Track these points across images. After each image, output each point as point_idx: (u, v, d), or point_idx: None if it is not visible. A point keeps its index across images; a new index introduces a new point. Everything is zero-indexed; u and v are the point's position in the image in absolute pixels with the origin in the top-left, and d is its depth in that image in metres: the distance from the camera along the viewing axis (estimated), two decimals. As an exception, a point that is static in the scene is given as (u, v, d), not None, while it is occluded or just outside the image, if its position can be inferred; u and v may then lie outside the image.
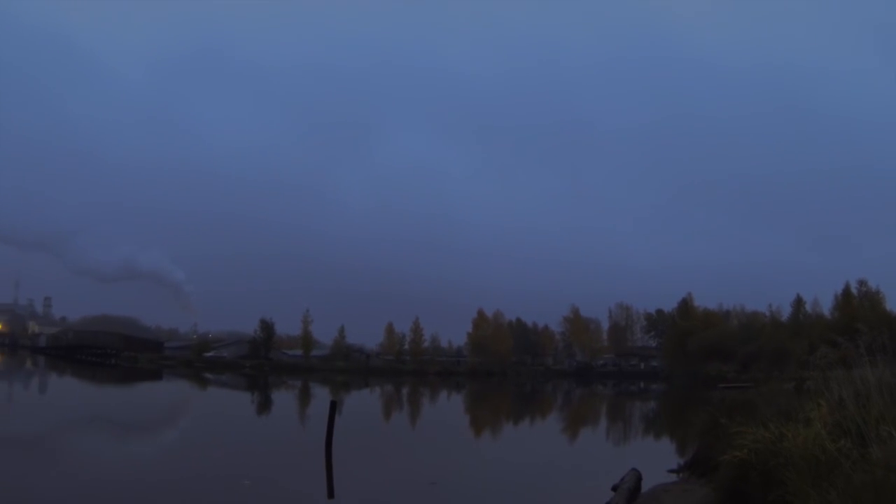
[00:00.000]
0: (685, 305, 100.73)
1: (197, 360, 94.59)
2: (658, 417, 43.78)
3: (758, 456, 8.29)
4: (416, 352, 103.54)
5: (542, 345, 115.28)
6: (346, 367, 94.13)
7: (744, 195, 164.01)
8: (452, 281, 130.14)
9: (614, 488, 13.17)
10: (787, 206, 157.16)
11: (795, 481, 6.98)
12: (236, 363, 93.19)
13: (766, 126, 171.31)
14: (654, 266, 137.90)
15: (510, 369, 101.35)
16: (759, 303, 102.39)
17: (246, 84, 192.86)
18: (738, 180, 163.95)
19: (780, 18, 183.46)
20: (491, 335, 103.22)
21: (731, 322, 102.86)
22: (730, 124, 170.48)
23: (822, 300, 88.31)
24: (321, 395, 48.11)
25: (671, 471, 16.10)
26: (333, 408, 18.96)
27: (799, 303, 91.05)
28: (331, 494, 14.22)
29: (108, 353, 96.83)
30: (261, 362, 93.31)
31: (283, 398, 51.79)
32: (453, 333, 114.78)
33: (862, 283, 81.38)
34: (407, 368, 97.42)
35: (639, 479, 13.99)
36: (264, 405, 44.14)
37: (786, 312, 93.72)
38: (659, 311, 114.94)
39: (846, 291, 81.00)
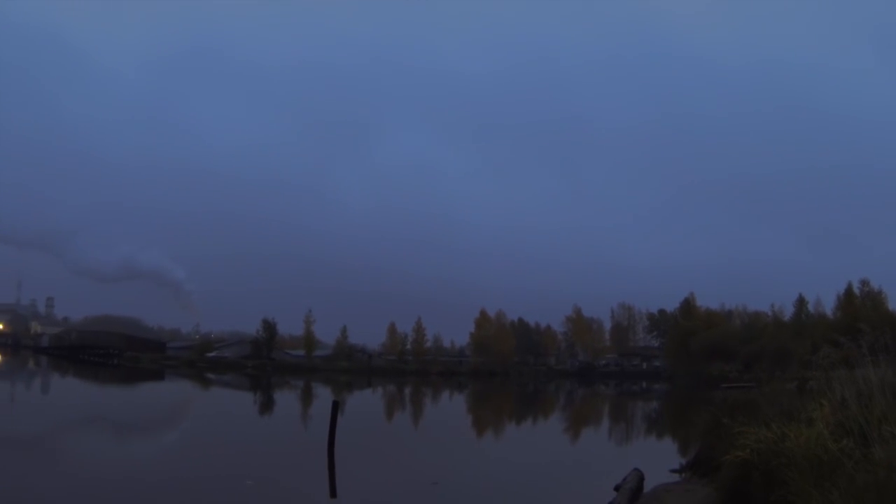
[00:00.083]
0: (687, 305, 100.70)
1: (199, 360, 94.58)
2: (660, 417, 43.72)
3: (760, 456, 8.29)
4: (419, 352, 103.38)
5: (545, 345, 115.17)
6: (348, 367, 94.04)
7: (744, 193, 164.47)
8: (454, 281, 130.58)
9: (616, 488, 13.17)
10: (788, 205, 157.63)
11: (798, 481, 6.97)
12: (239, 363, 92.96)
13: (766, 124, 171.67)
14: (656, 266, 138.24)
15: (512, 369, 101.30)
16: (761, 302, 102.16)
17: (244, 83, 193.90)
18: (738, 179, 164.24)
19: (780, 17, 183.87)
20: (493, 335, 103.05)
21: (733, 322, 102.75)
22: (730, 123, 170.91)
23: (825, 300, 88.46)
24: (324, 395, 48.12)
25: (673, 471, 16.08)
26: (336, 408, 18.99)
27: (801, 302, 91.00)
28: (333, 494, 14.25)
29: (111, 353, 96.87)
30: (263, 362, 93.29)
31: (286, 398, 51.80)
32: (456, 333, 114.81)
33: (864, 282, 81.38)
34: (409, 368, 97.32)
35: (641, 478, 13.98)
36: (267, 405, 44.13)
37: (788, 312, 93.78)
38: (661, 311, 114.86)
39: (848, 291, 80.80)
